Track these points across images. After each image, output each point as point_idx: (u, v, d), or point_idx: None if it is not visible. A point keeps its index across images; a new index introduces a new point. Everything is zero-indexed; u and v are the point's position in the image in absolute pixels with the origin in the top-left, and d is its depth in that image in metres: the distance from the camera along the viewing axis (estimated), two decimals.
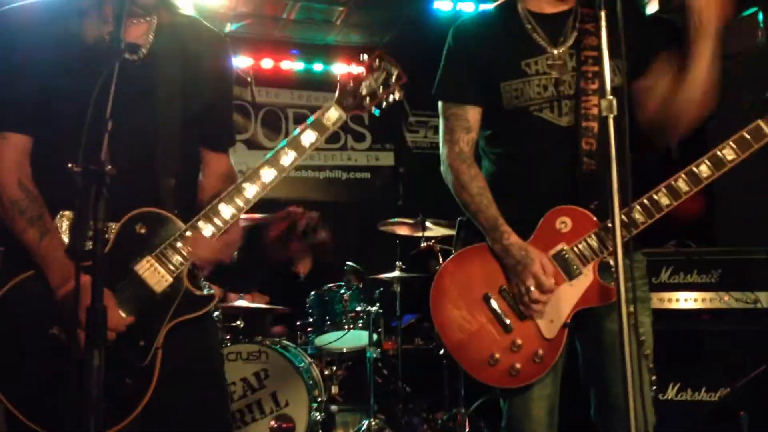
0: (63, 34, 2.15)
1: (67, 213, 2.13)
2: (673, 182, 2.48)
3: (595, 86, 2.50)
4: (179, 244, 2.12)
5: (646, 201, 2.48)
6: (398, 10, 7.81)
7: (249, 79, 8.29)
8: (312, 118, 2.29)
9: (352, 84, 2.32)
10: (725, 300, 4.43)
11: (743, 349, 4.19)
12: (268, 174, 2.21)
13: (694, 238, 4.81)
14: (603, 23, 2.20)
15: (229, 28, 8.11)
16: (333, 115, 2.29)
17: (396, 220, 5.99)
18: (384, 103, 2.35)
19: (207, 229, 2.14)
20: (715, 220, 6.08)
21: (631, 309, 2.06)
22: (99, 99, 1.66)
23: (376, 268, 6.15)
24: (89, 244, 1.47)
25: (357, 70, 2.33)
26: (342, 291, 5.65)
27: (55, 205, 2.13)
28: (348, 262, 6.30)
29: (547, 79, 2.56)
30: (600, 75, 2.25)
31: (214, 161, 2.48)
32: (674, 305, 4.50)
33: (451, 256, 2.69)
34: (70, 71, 2.12)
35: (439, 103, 2.73)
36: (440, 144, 2.72)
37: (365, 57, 2.35)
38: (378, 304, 5.71)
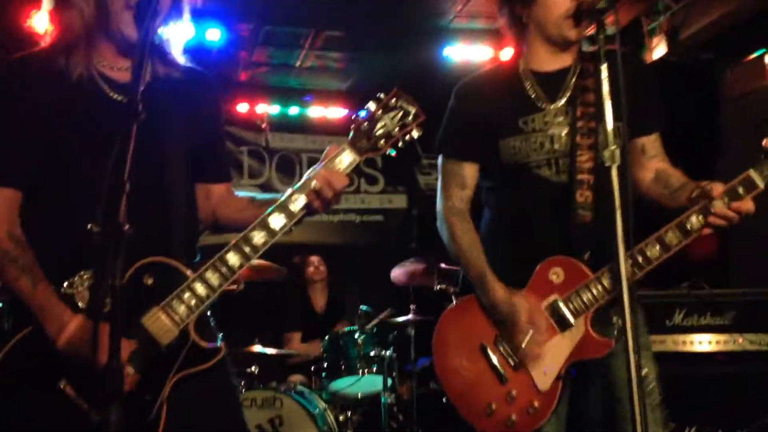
0: (52, 77, 2.17)
1: (84, 274, 2.10)
2: (663, 234, 2.49)
3: (590, 141, 2.54)
4: (186, 295, 2.09)
5: (636, 253, 2.48)
6: (409, 56, 7.93)
7: (263, 125, 8.40)
8: (324, 162, 2.19)
9: (366, 125, 2.19)
10: (740, 342, 4.41)
11: (759, 391, 4.16)
12: (277, 220, 2.14)
13: (708, 279, 4.80)
14: (604, 75, 2.25)
15: (244, 75, 8.26)
16: (346, 159, 2.18)
17: (409, 263, 6.01)
18: (401, 143, 2.22)
19: (215, 279, 2.10)
20: (728, 261, 6.07)
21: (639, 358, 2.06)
22: (104, 155, 1.67)
23: (390, 311, 6.17)
24: (108, 304, 1.49)
25: (372, 108, 2.20)
26: (356, 335, 5.65)
27: (66, 264, 2.11)
28: (362, 306, 6.31)
29: (544, 136, 2.61)
30: (596, 131, 2.30)
31: (222, 190, 2.47)
32: (689, 348, 4.48)
33: (451, 305, 2.73)
34: (58, 114, 2.13)
35: (439, 158, 2.80)
36: (437, 199, 2.78)
37: (381, 95, 2.22)
38: (392, 348, 5.70)
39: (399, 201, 9.10)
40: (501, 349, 2.56)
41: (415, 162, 8.96)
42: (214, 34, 6.76)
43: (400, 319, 5.86)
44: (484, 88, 2.74)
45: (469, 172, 2.71)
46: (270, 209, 2.16)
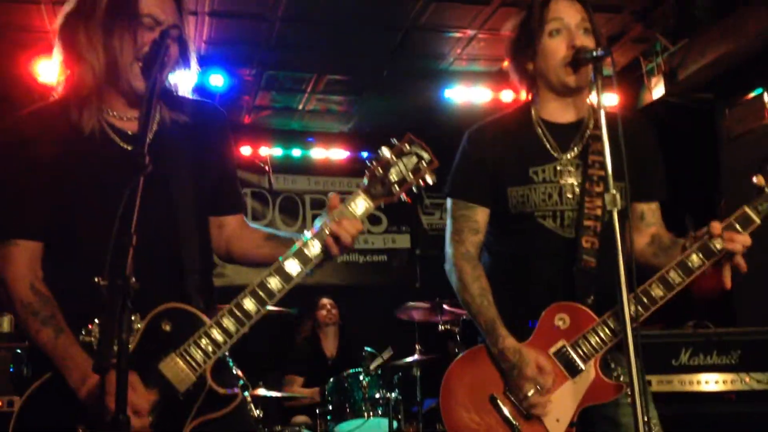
0: (65, 129, 2.21)
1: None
2: (665, 273, 2.50)
3: (599, 189, 2.57)
4: (203, 341, 2.11)
5: (640, 293, 2.48)
6: (410, 98, 8.02)
7: (266, 167, 8.45)
8: (337, 208, 2.18)
9: (381, 171, 2.18)
10: (746, 381, 4.39)
11: (766, 430, 4.13)
12: (293, 266, 2.15)
13: (713, 318, 4.79)
14: (603, 121, 2.29)
15: (248, 118, 8.34)
16: (361, 205, 2.19)
17: (413, 305, 6.02)
18: (414, 189, 2.20)
19: (231, 325, 2.12)
20: (733, 300, 6.05)
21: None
22: (114, 207, 1.70)
23: (394, 352, 6.14)
24: (114, 358, 1.50)
25: (386, 154, 2.19)
26: (361, 377, 5.63)
27: (82, 313, 2.13)
28: (366, 348, 6.29)
29: (552, 187, 2.63)
30: (605, 180, 2.32)
31: (235, 221, 2.48)
32: (695, 387, 4.46)
33: (457, 357, 2.70)
34: (72, 167, 2.17)
35: (449, 201, 2.79)
36: (446, 242, 2.76)
37: (395, 141, 2.21)
38: (397, 390, 5.68)
39: (402, 241, 9.12)
40: (512, 399, 2.53)
41: (418, 202, 9.01)
42: (218, 80, 6.85)
43: (405, 360, 5.84)
44: (497, 134, 2.75)
45: (482, 216, 2.71)
46: (286, 255, 2.17)
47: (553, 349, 2.53)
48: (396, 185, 2.18)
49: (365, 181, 2.19)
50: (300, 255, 2.16)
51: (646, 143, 2.72)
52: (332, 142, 8.91)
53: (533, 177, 2.64)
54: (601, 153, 2.32)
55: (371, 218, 8.95)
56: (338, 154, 8.91)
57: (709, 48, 6.14)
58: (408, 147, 2.19)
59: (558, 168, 2.64)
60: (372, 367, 5.73)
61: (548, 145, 2.67)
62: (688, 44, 6.35)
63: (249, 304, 2.13)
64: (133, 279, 1.61)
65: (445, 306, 5.98)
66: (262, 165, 8.40)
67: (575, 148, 2.67)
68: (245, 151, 8.47)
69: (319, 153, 8.90)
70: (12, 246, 2.18)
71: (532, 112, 2.74)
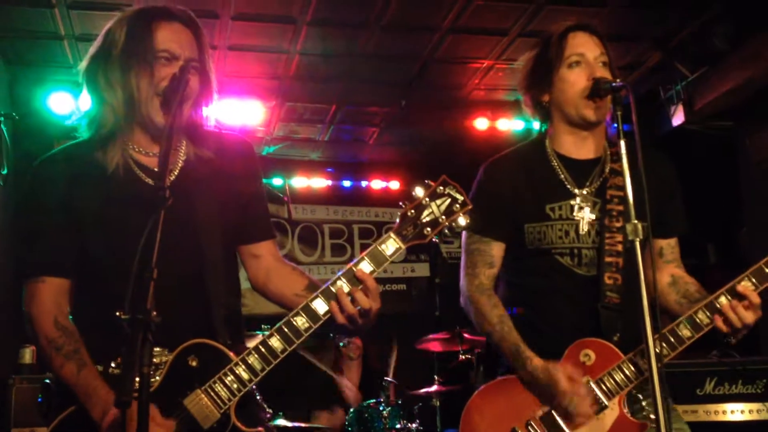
0: (90, 168, 2.25)
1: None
2: (693, 314, 2.48)
3: (619, 224, 2.55)
4: (229, 378, 2.11)
5: (667, 333, 2.47)
6: (429, 128, 8.05)
7: (285, 198, 8.51)
8: (369, 251, 2.19)
9: (413, 212, 2.18)
10: None
11: None
12: (320, 305, 2.15)
13: (737, 347, 4.72)
14: (623, 150, 2.28)
15: (266, 150, 8.40)
16: (391, 246, 2.19)
17: (432, 337, 5.99)
18: (447, 231, 2.20)
19: (257, 363, 2.12)
20: (757, 328, 5.97)
21: None
22: (136, 242, 1.73)
23: (414, 382, 6.11)
24: (135, 392, 1.51)
25: (420, 195, 2.20)
26: (381, 408, 5.60)
27: (111, 347, 2.14)
28: (386, 378, 6.26)
29: (569, 224, 2.62)
30: (624, 213, 2.31)
31: (268, 250, 2.47)
32: (721, 417, 4.40)
33: (477, 390, 2.67)
34: (99, 204, 2.21)
35: (464, 234, 2.76)
36: (461, 275, 2.75)
37: (429, 182, 2.22)
38: (418, 421, 5.64)
39: (422, 270, 9.11)
40: (533, 430, 2.51)
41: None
42: (236, 111, 6.94)
43: (425, 390, 5.80)
44: (513, 169, 2.74)
45: (497, 251, 2.71)
46: (314, 294, 2.16)
47: None
48: (428, 227, 2.18)
49: (397, 222, 2.19)
50: (327, 293, 2.16)
51: (666, 177, 2.71)
52: (351, 172, 8.96)
53: (549, 214, 2.63)
54: (621, 188, 2.31)
55: None
56: (356, 184, 8.96)
57: (728, 76, 6.13)
58: (442, 188, 2.20)
59: (574, 204, 2.63)
60: (393, 398, 5.70)
61: (565, 181, 2.66)
62: (707, 72, 6.35)
63: (276, 342, 2.13)
64: (155, 313, 1.62)
65: (465, 334, 5.96)
66: (281, 195, 8.46)
67: (593, 185, 2.65)
68: (264, 181, 8.51)
69: (336, 183, 8.94)
70: (39, 283, 2.22)
71: (547, 145, 2.73)
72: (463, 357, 6.09)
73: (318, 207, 8.94)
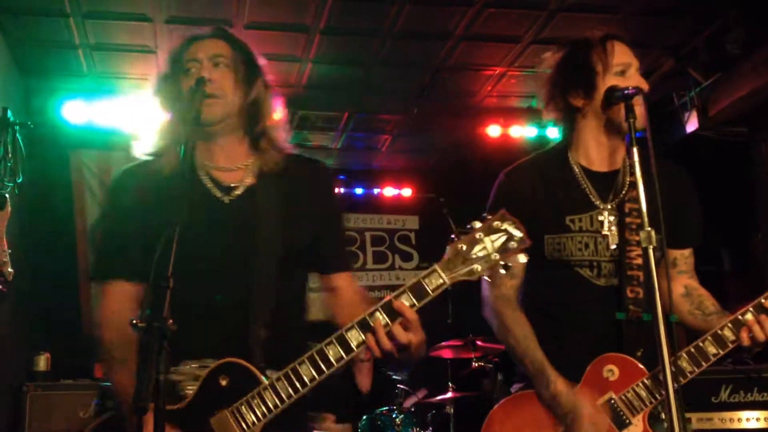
0: (164, 182, 2.24)
1: (187, 364, 2.17)
2: (719, 331, 2.46)
3: (638, 238, 2.46)
4: (255, 402, 2.07)
5: (692, 349, 2.45)
6: (441, 135, 8.06)
7: None
8: (412, 282, 2.09)
9: (464, 247, 2.06)
10: None
11: None
12: (355, 336, 2.07)
13: (752, 354, 4.70)
14: (636, 158, 2.28)
15: None
16: (436, 280, 2.07)
17: (445, 344, 5.99)
18: (500, 270, 2.06)
19: (284, 390, 2.07)
20: None
21: None
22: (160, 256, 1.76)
23: (428, 389, 6.10)
24: (151, 399, 1.51)
25: (476, 227, 2.08)
26: (394, 415, 5.60)
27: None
28: (399, 385, 6.26)
29: (589, 237, 2.60)
30: (641, 220, 2.30)
31: (345, 282, 2.42)
32: (736, 425, 4.38)
33: (499, 402, 2.65)
34: (168, 215, 2.16)
35: None
36: (483, 286, 2.70)
37: (487, 215, 2.09)
38: (431, 428, 5.63)
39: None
40: None
41: (450, 238, 8.98)
42: None
43: (439, 398, 5.79)
44: (534, 177, 2.70)
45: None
46: (350, 324, 2.09)
47: (601, 401, 2.47)
48: (479, 264, 2.05)
49: (446, 255, 2.07)
50: (365, 326, 2.08)
51: (681, 187, 2.70)
52: (363, 179, 8.98)
53: (570, 225, 2.61)
54: (637, 200, 2.31)
55: (402, 255, 8.96)
56: (369, 191, 8.97)
57: (741, 82, 6.11)
58: (499, 223, 2.08)
59: (595, 217, 2.62)
60: (406, 406, 5.69)
61: (589, 194, 2.64)
62: (720, 78, 6.32)
63: (306, 370, 2.08)
64: (170, 321, 1.63)
65: (478, 342, 5.96)
66: None
67: (615, 198, 2.64)
68: None
69: (349, 191, 8.95)
70: (110, 285, 2.27)
71: (569, 156, 2.71)
72: (477, 364, 6.09)
73: None
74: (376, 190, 8.97)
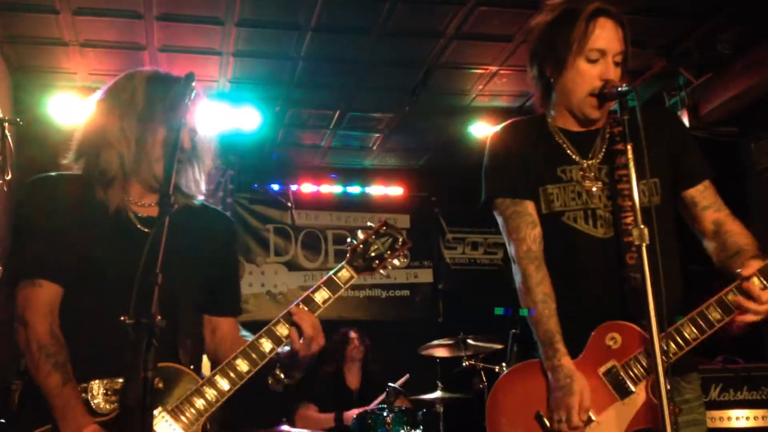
0: (91, 200, 2.33)
1: (96, 383, 2.20)
2: (724, 296, 2.42)
3: (632, 203, 2.41)
4: (196, 399, 2.20)
5: (696, 316, 2.42)
6: (433, 134, 8.06)
7: (289, 204, 8.52)
8: (325, 278, 2.47)
9: (361, 248, 2.53)
10: None
11: None
12: (283, 330, 2.34)
13: (742, 353, 4.72)
14: (630, 155, 2.28)
15: (273, 156, 8.42)
16: (344, 275, 2.47)
17: (436, 342, 5.99)
18: (390, 266, 2.55)
19: (224, 383, 2.23)
20: (762, 334, 5.96)
21: None
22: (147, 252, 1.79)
23: (418, 388, 6.10)
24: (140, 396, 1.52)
25: (363, 236, 2.55)
26: (385, 413, 5.58)
27: (84, 365, 2.20)
28: (390, 384, 6.25)
29: (580, 186, 2.59)
30: (631, 198, 2.30)
31: (225, 325, 2.59)
32: (726, 424, 4.39)
33: (506, 371, 2.64)
34: (96, 235, 2.29)
35: (497, 202, 2.68)
36: (506, 242, 2.67)
37: (371, 224, 2.57)
38: (421, 427, 5.62)
39: (425, 276, 9.09)
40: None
41: (440, 237, 9.00)
42: (249, 118, 6.96)
43: (428, 396, 5.79)
44: (520, 135, 2.71)
45: (532, 209, 2.62)
46: (273, 320, 2.34)
47: (603, 369, 2.46)
48: (376, 260, 2.52)
49: (348, 255, 2.51)
50: (290, 318, 2.36)
51: (675, 130, 2.68)
52: (354, 178, 8.97)
53: (561, 176, 2.61)
54: (626, 166, 2.31)
55: None
56: (360, 190, 8.97)
57: (733, 82, 6.13)
58: (384, 229, 2.56)
59: (582, 171, 2.61)
60: (396, 404, 5.68)
61: (569, 150, 2.64)
62: (711, 78, 6.34)
63: (241, 363, 2.28)
64: (159, 317, 1.63)
65: (468, 340, 5.96)
66: (285, 201, 8.47)
67: (596, 156, 2.63)
68: (269, 187, 8.56)
69: (340, 189, 8.96)
70: (36, 287, 2.25)
71: (547, 120, 2.71)
72: (467, 363, 6.09)
73: (321, 213, 8.93)
74: (367, 189, 8.96)
